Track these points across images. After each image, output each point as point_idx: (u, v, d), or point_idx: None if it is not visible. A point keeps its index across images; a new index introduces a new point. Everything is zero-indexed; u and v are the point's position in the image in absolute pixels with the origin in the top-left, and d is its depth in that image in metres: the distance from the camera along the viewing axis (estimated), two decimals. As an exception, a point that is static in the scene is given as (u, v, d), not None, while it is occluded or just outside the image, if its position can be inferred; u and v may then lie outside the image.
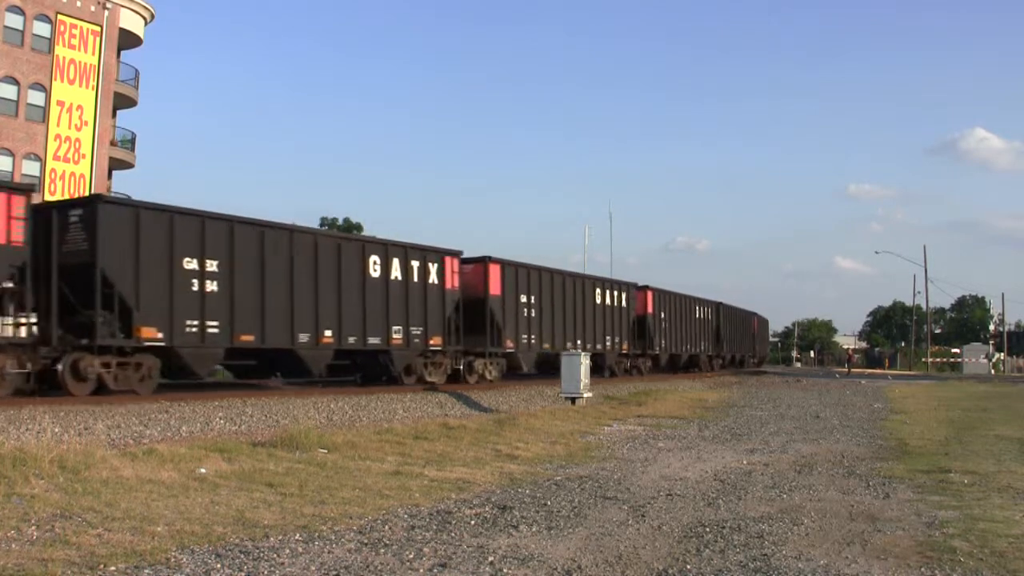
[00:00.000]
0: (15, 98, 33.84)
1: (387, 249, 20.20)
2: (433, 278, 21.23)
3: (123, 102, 40.52)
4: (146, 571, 5.48)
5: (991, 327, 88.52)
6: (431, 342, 21.05)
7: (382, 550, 6.25)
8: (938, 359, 71.05)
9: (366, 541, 6.50)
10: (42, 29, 34.67)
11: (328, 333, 18.19)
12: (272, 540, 6.42)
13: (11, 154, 33.65)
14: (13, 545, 5.92)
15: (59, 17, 34.94)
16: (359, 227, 61.31)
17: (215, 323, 15.92)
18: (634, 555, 6.32)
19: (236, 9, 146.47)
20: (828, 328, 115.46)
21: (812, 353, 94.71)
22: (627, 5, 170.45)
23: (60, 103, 35.19)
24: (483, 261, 23.25)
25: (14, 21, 33.70)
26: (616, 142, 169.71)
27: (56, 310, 14.24)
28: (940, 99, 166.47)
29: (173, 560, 5.74)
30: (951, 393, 31.93)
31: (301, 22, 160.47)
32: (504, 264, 23.83)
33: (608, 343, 29.71)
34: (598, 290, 29.42)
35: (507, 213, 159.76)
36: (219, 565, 5.67)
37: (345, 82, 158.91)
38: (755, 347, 54.60)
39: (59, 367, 14.13)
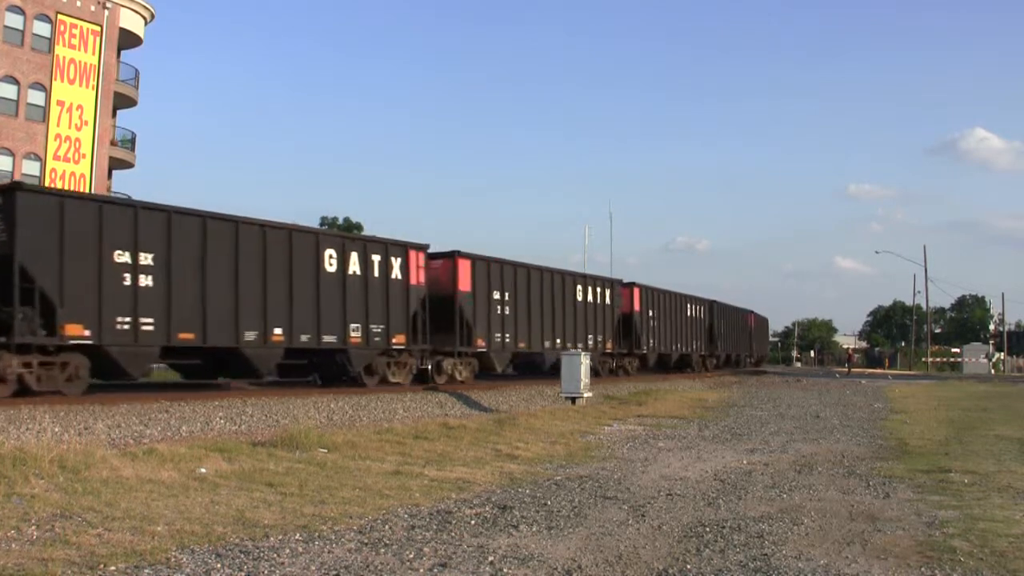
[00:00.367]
0: (15, 98, 33.86)
1: (344, 243, 19.21)
2: (396, 273, 20.15)
3: (123, 102, 40.54)
4: (146, 571, 5.48)
5: (991, 327, 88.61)
6: (394, 341, 20.02)
7: (382, 550, 6.25)
8: (938, 359, 71.10)
9: (366, 541, 6.50)
10: (42, 29, 34.68)
11: (278, 331, 17.16)
12: (272, 540, 6.42)
13: (11, 154, 33.66)
14: (13, 545, 5.93)
15: (59, 17, 34.95)
16: (359, 227, 61.37)
17: (149, 320, 14.92)
18: (634, 555, 6.32)
19: (236, 9, 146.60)
20: (828, 328, 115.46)
21: (812, 353, 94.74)
22: (627, 5, 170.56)
23: (60, 103, 35.20)
24: (451, 256, 22.21)
25: (14, 21, 33.71)
26: (616, 142, 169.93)
27: None
28: (940, 99, 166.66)
29: (173, 560, 5.74)
30: (951, 393, 31.94)
31: (301, 22, 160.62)
32: (475, 259, 22.76)
33: (591, 342, 28.45)
34: (579, 287, 28.23)
35: (507, 213, 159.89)
36: (219, 565, 5.67)
37: (345, 82, 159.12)
38: (752, 346, 52.95)
39: None
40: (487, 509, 7.90)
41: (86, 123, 36.16)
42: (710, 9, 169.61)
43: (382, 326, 19.64)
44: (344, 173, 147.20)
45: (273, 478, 9.10)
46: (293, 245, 17.65)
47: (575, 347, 26.70)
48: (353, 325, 18.89)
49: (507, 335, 23.91)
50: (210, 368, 17.64)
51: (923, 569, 6.01)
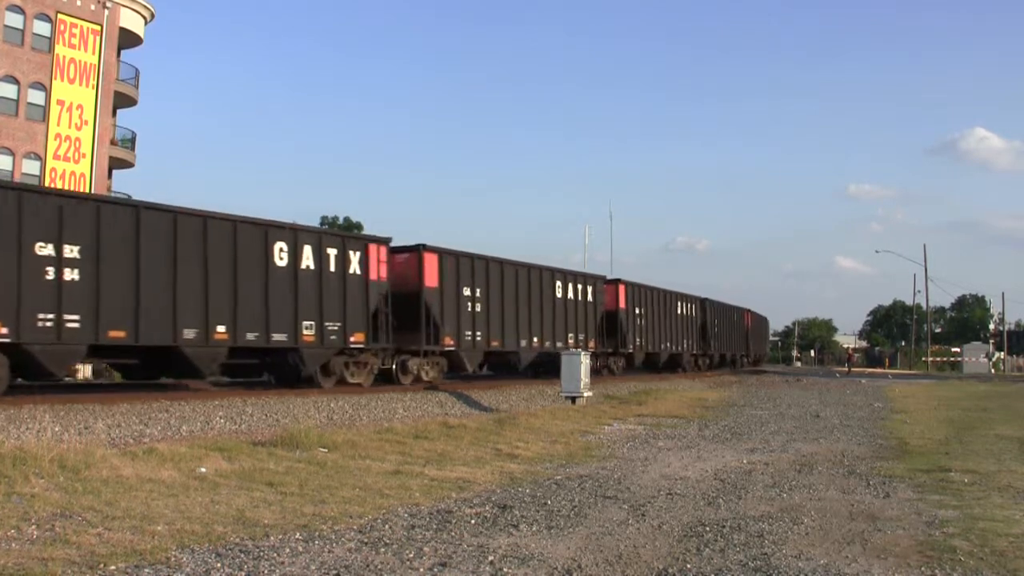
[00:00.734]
0: (15, 97, 33.84)
1: (296, 235, 17.98)
2: (355, 268, 19.06)
3: (123, 101, 40.51)
4: (146, 570, 5.48)
5: (991, 326, 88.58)
6: (352, 339, 18.94)
7: (382, 549, 6.25)
8: (938, 358, 71.12)
9: (366, 540, 6.50)
10: (42, 28, 34.66)
11: (221, 329, 16.09)
12: (272, 539, 6.42)
13: (11, 153, 33.66)
14: (13, 544, 5.92)
15: (59, 16, 34.93)
16: (359, 226, 61.48)
17: (75, 317, 13.96)
18: (634, 554, 6.32)
19: (236, 9, 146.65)
20: (828, 327, 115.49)
21: (812, 352, 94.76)
22: (627, 5, 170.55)
23: (60, 102, 35.18)
24: (417, 250, 21.20)
25: (14, 20, 33.69)
26: (616, 142, 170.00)
27: None
28: (940, 99, 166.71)
29: (173, 559, 5.74)
30: (951, 392, 31.94)
31: (301, 22, 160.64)
32: (442, 253, 21.70)
33: (571, 340, 27.18)
34: (559, 283, 26.96)
35: (507, 213, 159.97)
36: (219, 564, 5.66)
37: (345, 82, 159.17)
38: (749, 346, 51.34)
39: None
40: (487, 509, 7.90)
41: (86, 123, 36.14)
42: (710, 9, 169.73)
43: (338, 324, 18.61)
44: (344, 173, 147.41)
45: (273, 477, 9.10)
46: (238, 238, 16.62)
47: (554, 346, 26.08)
48: (306, 323, 17.85)
49: (478, 333, 22.83)
50: (150, 368, 16.62)
51: (923, 569, 6.00)
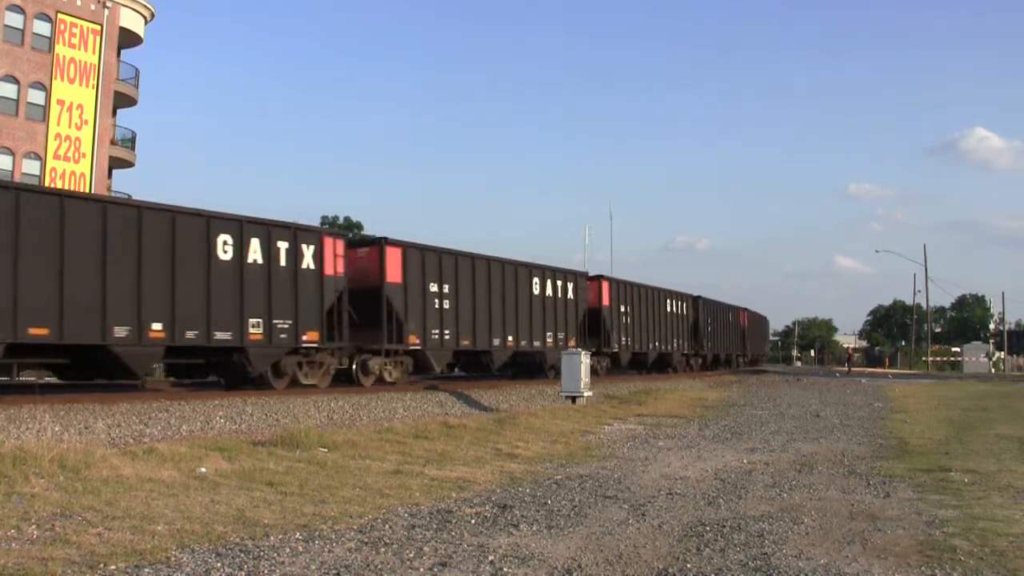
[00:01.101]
0: (15, 97, 33.87)
1: (242, 227, 16.79)
2: (308, 262, 18.01)
3: (123, 101, 40.53)
4: (146, 570, 5.48)
5: (991, 326, 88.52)
6: (304, 338, 17.91)
7: (382, 549, 6.25)
8: (938, 358, 71.14)
9: (366, 540, 6.49)
10: (42, 28, 34.68)
11: (157, 327, 15.10)
12: (272, 539, 6.41)
13: (11, 153, 33.66)
14: (13, 544, 5.92)
15: (59, 16, 34.94)
16: (359, 226, 61.54)
17: None
18: (634, 554, 6.32)
19: (236, 9, 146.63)
20: (828, 327, 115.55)
21: (812, 352, 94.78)
22: (627, 5, 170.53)
23: (60, 102, 35.19)
24: (378, 243, 20.35)
25: (14, 20, 33.72)
26: (616, 142, 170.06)
27: None
28: (940, 99, 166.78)
29: (173, 559, 5.74)
30: (951, 392, 31.94)
31: (301, 22, 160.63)
32: (406, 247, 20.72)
33: (550, 339, 26.04)
34: (536, 279, 25.74)
35: (507, 213, 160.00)
36: (219, 564, 5.66)
37: (345, 82, 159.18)
38: (745, 345, 49.77)
39: None
40: (487, 508, 7.89)
41: (86, 122, 36.15)
42: (710, 9, 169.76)
43: (289, 322, 17.54)
44: (344, 173, 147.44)
45: (273, 477, 9.09)
46: (177, 229, 15.62)
47: (531, 345, 25.25)
48: (252, 320, 16.76)
49: (447, 331, 21.73)
50: (81, 368, 15.63)
51: (923, 568, 6.00)
